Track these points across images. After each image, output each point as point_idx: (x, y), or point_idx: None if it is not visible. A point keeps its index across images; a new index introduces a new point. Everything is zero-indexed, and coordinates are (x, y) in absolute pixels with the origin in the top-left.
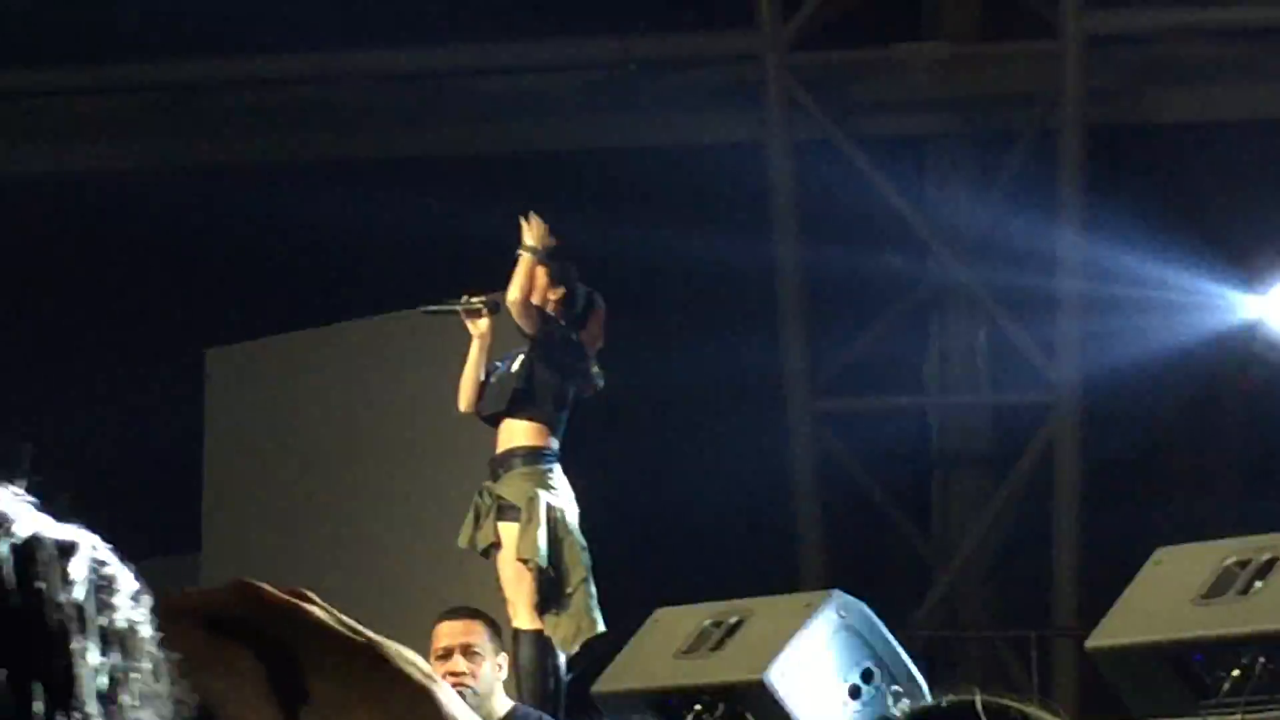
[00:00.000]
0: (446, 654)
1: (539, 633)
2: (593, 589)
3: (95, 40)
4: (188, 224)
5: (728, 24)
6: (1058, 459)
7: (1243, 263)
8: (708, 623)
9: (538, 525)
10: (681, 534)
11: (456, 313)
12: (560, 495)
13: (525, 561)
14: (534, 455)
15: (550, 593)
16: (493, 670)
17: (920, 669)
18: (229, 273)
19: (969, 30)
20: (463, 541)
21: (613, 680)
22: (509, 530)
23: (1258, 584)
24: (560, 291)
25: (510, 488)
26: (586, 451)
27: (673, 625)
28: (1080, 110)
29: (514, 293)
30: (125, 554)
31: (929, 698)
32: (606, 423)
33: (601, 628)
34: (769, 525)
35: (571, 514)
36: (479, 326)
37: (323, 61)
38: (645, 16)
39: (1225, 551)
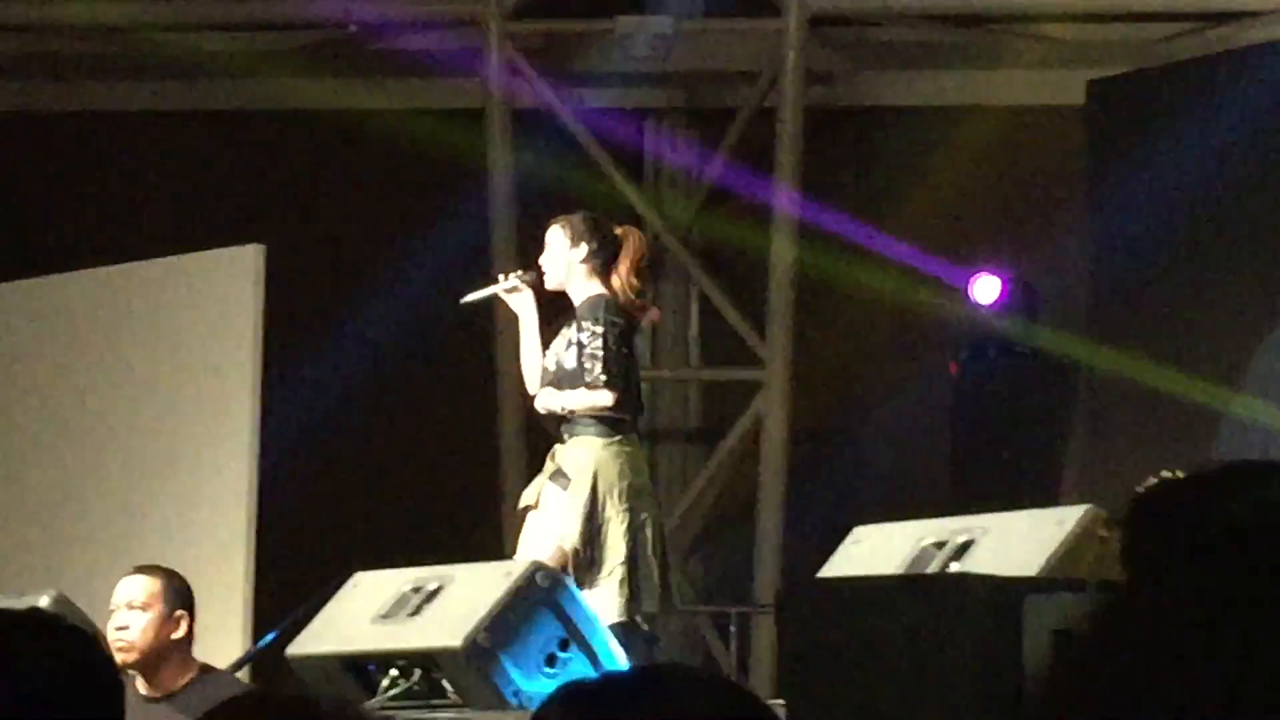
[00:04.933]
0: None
1: None
2: (628, 574)
3: None
4: None
5: None
6: (765, 436)
7: (955, 246)
8: (407, 588)
9: (582, 500)
10: (385, 498)
11: (496, 295)
12: (622, 470)
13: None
14: (606, 424)
15: (581, 575)
16: (161, 625)
17: (620, 642)
18: None
19: (693, 5)
20: (528, 499)
21: (309, 643)
22: (554, 494)
23: (953, 565)
24: (584, 249)
25: (571, 455)
26: (298, 415)
27: (372, 589)
28: (800, 88)
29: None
30: None
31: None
32: (320, 385)
33: (622, 616)
34: (475, 492)
35: (629, 492)
36: (523, 303)
37: (38, 10)
38: None
39: (922, 531)
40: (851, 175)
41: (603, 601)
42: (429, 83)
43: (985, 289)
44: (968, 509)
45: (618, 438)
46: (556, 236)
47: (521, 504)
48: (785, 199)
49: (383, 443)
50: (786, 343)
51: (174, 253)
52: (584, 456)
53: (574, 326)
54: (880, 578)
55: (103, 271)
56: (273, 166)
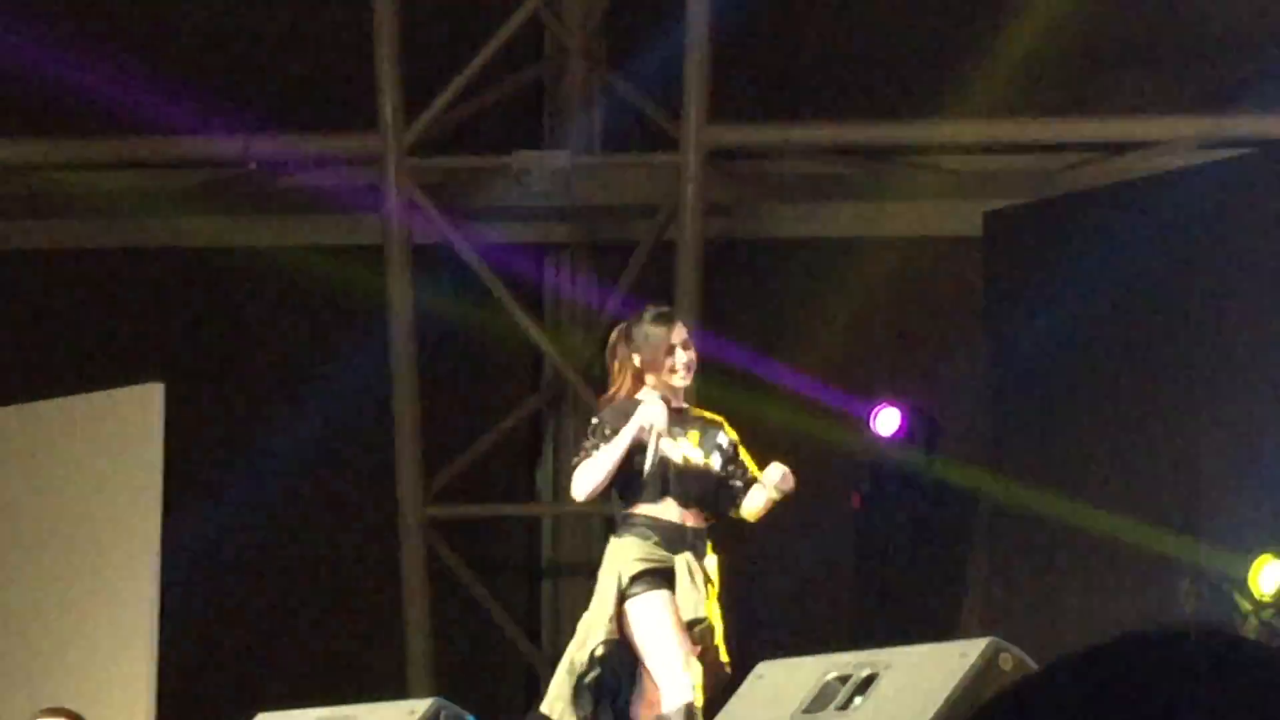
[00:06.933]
0: None
1: None
2: None
3: None
4: None
5: (350, 125)
6: None
7: (856, 378)
8: None
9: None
10: (289, 633)
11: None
12: None
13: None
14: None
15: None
16: None
17: None
18: None
19: (591, 140)
20: (702, 611)
21: None
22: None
23: (857, 700)
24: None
25: (709, 565)
26: (200, 552)
27: None
28: (698, 222)
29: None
30: None
31: None
32: (221, 522)
33: None
34: (379, 627)
35: None
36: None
37: None
38: (266, 114)
39: (826, 666)
40: (751, 308)
41: None
42: (328, 219)
43: (886, 421)
44: (871, 641)
45: None
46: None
47: (693, 617)
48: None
49: (286, 578)
50: None
51: (73, 392)
52: (713, 562)
53: (715, 434)
54: None
55: (1, 412)
56: (172, 304)
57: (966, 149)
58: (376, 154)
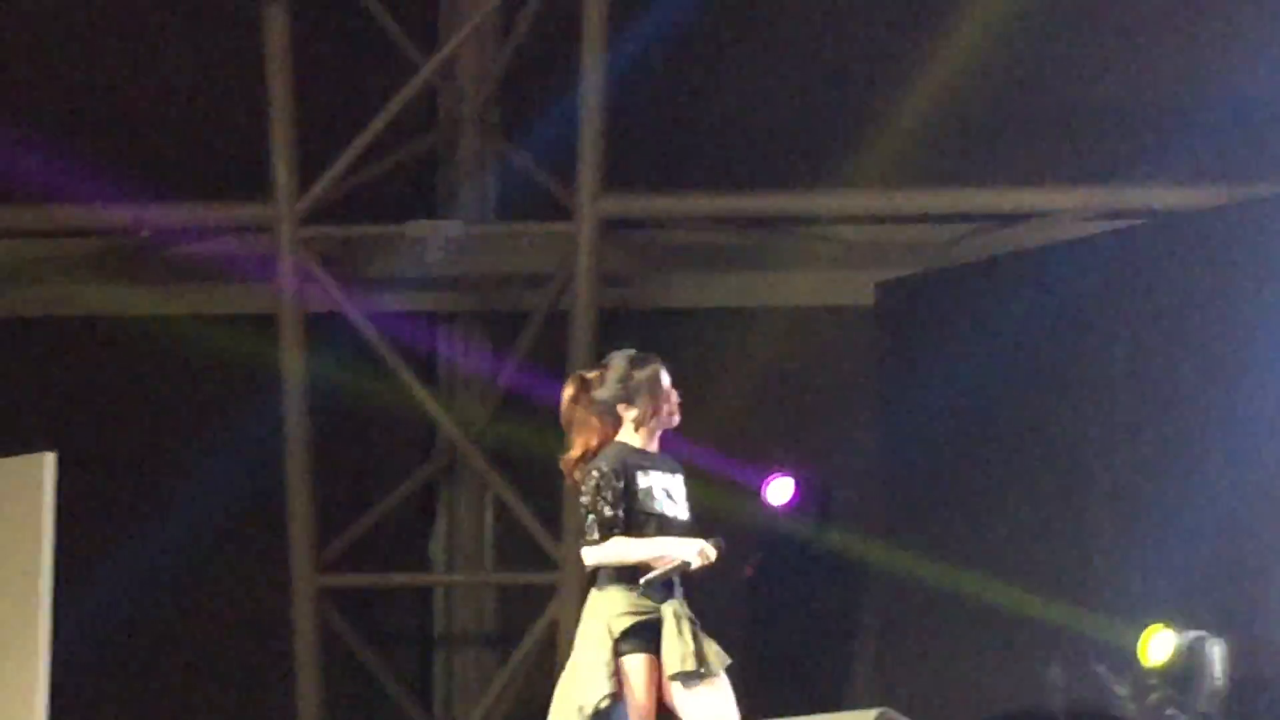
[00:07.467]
0: None
1: None
2: None
3: None
4: None
5: (243, 194)
6: (561, 640)
7: (748, 448)
8: None
9: None
10: (182, 708)
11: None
12: None
13: None
14: None
15: None
16: None
17: None
18: None
19: (485, 209)
20: (690, 664)
21: None
22: None
23: None
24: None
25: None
26: (91, 624)
27: None
28: (592, 291)
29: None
30: None
31: None
32: (113, 593)
33: None
34: (272, 700)
35: None
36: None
37: None
38: (160, 183)
39: None
40: None
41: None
42: (222, 288)
43: (778, 491)
44: (763, 711)
45: None
46: None
47: (679, 670)
48: None
49: (178, 648)
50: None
51: None
52: None
53: (680, 476)
54: None
55: None
56: (65, 373)
57: (859, 219)
58: (270, 223)
